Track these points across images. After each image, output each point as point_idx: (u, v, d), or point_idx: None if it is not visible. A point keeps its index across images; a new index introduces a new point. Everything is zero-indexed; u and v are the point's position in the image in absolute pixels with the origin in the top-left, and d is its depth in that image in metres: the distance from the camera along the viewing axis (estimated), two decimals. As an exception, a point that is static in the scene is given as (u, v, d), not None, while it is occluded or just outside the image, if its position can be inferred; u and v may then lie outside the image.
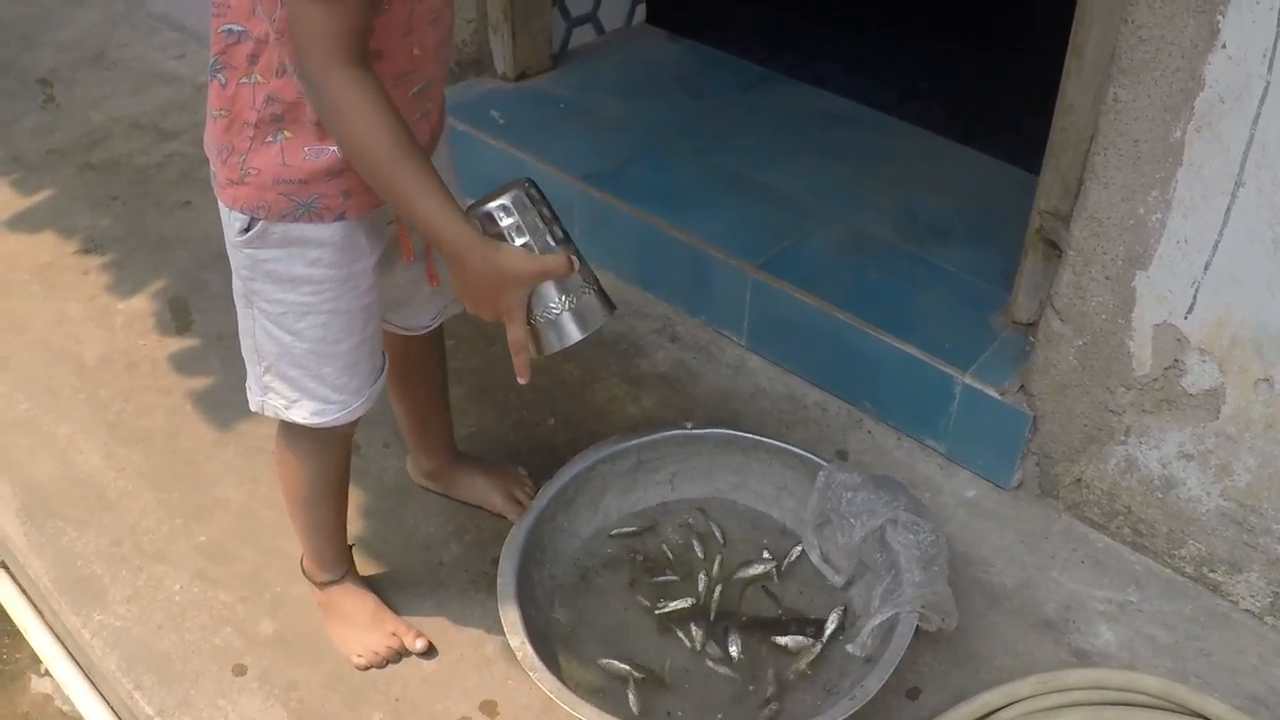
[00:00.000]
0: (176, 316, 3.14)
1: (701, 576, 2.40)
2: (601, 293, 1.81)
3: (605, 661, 2.25)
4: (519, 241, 1.73)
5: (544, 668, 2.06)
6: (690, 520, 2.51)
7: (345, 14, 1.58)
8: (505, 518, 2.47)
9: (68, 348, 3.04)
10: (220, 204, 1.86)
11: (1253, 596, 2.37)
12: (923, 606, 2.14)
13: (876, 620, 2.15)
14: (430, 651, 2.30)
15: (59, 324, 3.13)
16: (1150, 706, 2.21)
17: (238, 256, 1.89)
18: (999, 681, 2.24)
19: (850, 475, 2.33)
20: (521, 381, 1.80)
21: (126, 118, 4.10)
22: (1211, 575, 2.41)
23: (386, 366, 2.10)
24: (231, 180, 1.82)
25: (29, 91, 4.30)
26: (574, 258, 1.76)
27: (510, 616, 2.14)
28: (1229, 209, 2.06)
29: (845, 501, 2.31)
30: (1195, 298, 2.17)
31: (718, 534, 2.48)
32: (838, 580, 2.37)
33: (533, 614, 2.20)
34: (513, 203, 1.75)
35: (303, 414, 2.01)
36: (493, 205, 1.75)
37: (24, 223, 3.55)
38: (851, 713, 2.00)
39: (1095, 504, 2.52)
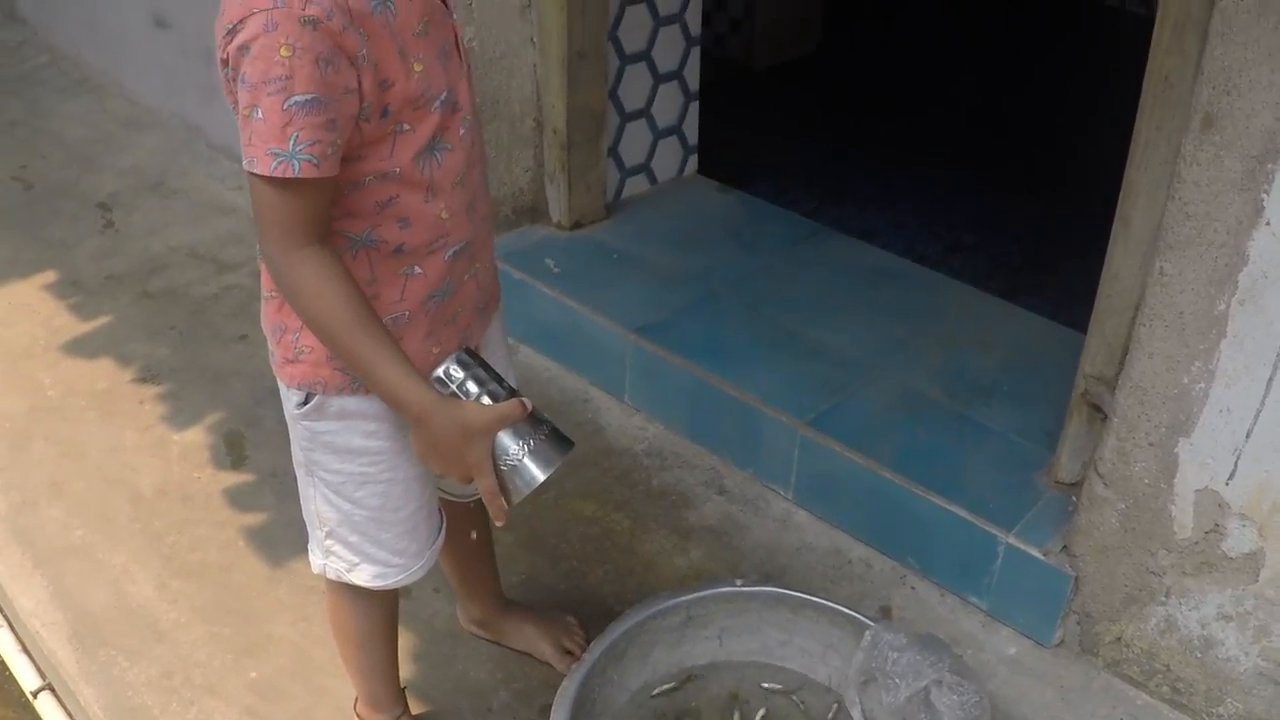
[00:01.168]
0: (231, 450, 3.25)
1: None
2: (556, 432, 1.85)
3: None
4: (473, 394, 1.80)
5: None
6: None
7: (301, 199, 1.66)
8: (554, 666, 2.55)
9: (123, 476, 3.16)
10: (279, 380, 1.97)
11: (1288, 756, 2.43)
12: (966, 766, 2.22)
13: (920, 783, 2.23)
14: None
15: (115, 452, 3.24)
16: None
17: (297, 429, 2.00)
18: None
19: (896, 635, 2.41)
20: (499, 524, 1.84)
21: (185, 247, 4.25)
22: None
23: (443, 527, 2.20)
24: (287, 359, 1.93)
25: (89, 215, 4.47)
26: (525, 401, 1.81)
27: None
28: (1271, 379, 2.16)
29: (891, 661, 2.39)
30: (1236, 464, 2.26)
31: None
32: (880, 739, 2.45)
33: (581, 763, 2.29)
34: (457, 363, 1.82)
35: (364, 577, 2.11)
36: (439, 370, 1.81)
37: (82, 348, 3.68)
38: None
39: (1135, 662, 2.59)
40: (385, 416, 1.94)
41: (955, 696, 2.30)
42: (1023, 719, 2.55)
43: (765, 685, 2.57)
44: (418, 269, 1.86)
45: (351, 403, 1.92)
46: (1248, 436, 2.23)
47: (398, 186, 1.77)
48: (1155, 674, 2.57)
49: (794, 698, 2.55)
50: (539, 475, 1.80)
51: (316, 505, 2.08)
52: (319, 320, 1.73)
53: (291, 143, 1.60)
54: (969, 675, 2.34)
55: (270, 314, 1.93)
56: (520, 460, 1.79)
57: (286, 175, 1.62)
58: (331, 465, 2.00)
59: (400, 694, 2.42)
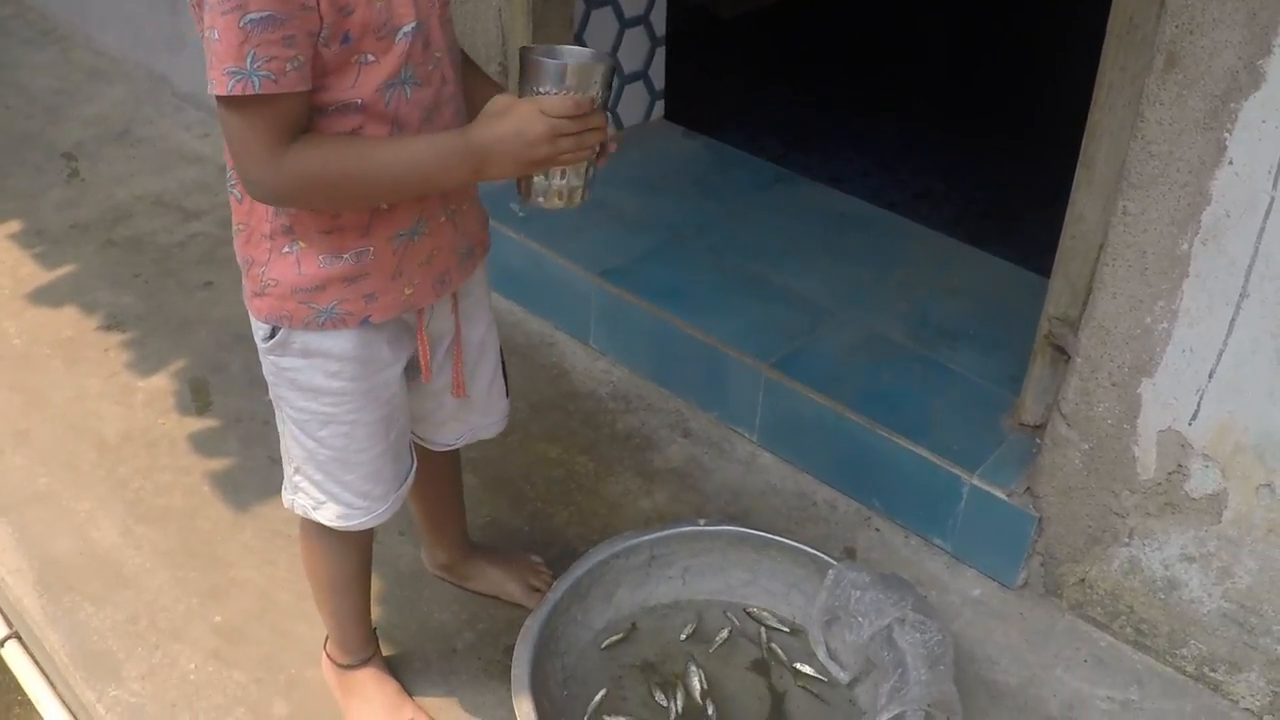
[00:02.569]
0: (196, 397, 3.21)
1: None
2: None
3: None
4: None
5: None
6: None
7: (265, 117, 1.64)
8: (522, 606, 2.52)
9: (88, 424, 3.12)
10: (249, 313, 1.94)
11: (1252, 695, 2.42)
12: (929, 705, 2.20)
13: (883, 718, 2.21)
14: (441, 738, 2.36)
15: (80, 399, 3.20)
16: None
17: (265, 363, 1.97)
18: None
19: (859, 574, 2.40)
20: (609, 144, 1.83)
21: (150, 195, 4.20)
22: (1212, 674, 2.46)
23: (413, 470, 2.17)
24: (255, 292, 1.90)
25: (54, 165, 4.41)
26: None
27: (524, 707, 2.19)
28: (1233, 319, 2.15)
29: (854, 600, 2.38)
30: (1199, 405, 2.25)
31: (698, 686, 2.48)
32: (844, 677, 2.42)
33: (545, 705, 2.26)
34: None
35: (329, 516, 2.08)
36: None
37: (46, 297, 3.63)
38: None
39: (1098, 604, 2.58)
40: (351, 357, 1.91)
41: (918, 634, 2.29)
42: (987, 660, 2.54)
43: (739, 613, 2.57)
44: (383, 203, 1.82)
45: (315, 340, 1.89)
46: (1210, 376, 2.22)
47: (362, 118, 1.73)
48: (1119, 615, 2.56)
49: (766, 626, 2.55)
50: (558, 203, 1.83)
51: (286, 441, 2.06)
52: (342, 177, 1.71)
53: (249, 60, 1.57)
54: (932, 613, 2.33)
55: (240, 246, 1.90)
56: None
57: (246, 93, 1.59)
58: (296, 402, 1.97)
59: (371, 636, 2.39)
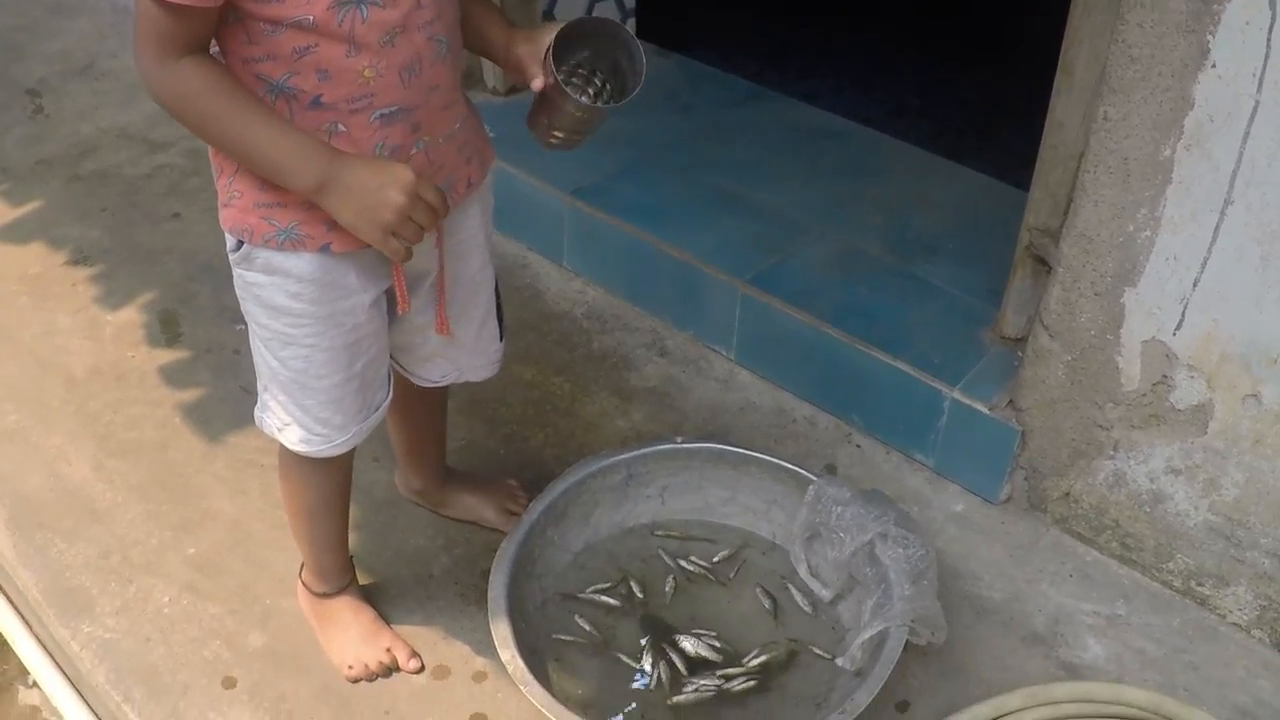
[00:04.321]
0: (165, 328, 3.13)
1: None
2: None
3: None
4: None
5: (535, 681, 2.06)
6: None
7: (181, 23, 1.59)
8: (499, 531, 2.46)
9: (56, 359, 3.04)
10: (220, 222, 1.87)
11: (1240, 610, 2.38)
12: (912, 621, 2.15)
13: (866, 634, 2.16)
14: (422, 667, 2.30)
15: (48, 335, 3.12)
16: (1138, 719, 2.22)
17: (235, 275, 1.90)
18: (988, 695, 2.25)
19: (840, 490, 2.34)
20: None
21: (115, 129, 4.10)
22: (1199, 589, 2.42)
23: (387, 402, 2.10)
24: (223, 202, 1.83)
25: (17, 102, 4.29)
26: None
27: (501, 630, 2.14)
28: (1218, 226, 2.07)
29: (835, 516, 2.32)
30: (1184, 314, 2.18)
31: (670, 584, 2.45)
32: (825, 595, 2.37)
33: (523, 627, 2.20)
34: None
35: (292, 439, 2.02)
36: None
37: (12, 233, 3.54)
38: (842, 727, 2.02)
39: (1083, 518, 2.53)
40: (311, 279, 1.83)
41: (901, 550, 2.24)
42: (971, 576, 2.50)
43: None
44: (341, 127, 1.72)
45: (277, 258, 1.81)
46: (1195, 285, 2.15)
47: (315, 36, 1.64)
48: (1104, 530, 2.51)
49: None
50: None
51: (255, 356, 1.99)
52: (207, 117, 1.66)
53: None
54: (914, 529, 2.28)
55: (211, 154, 1.83)
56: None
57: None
58: (260, 319, 1.90)
59: (348, 564, 2.34)
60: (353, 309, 1.90)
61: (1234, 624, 2.40)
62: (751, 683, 2.24)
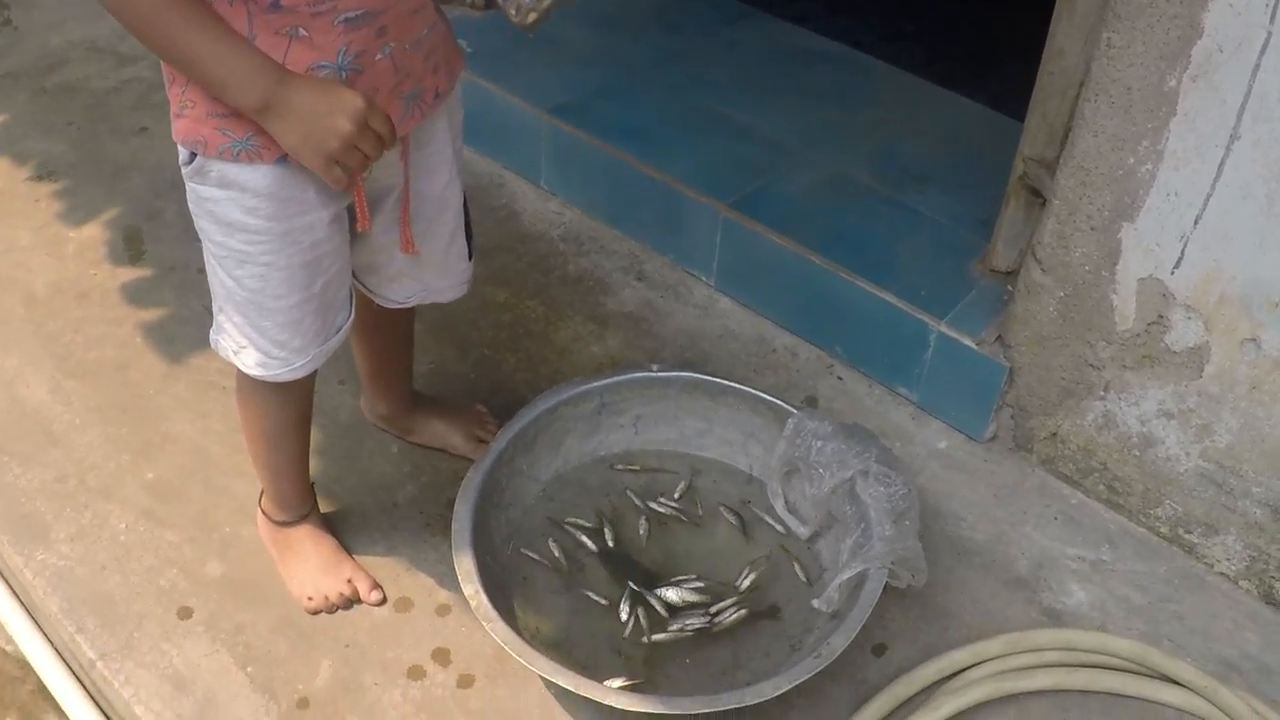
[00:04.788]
0: (129, 246, 3.01)
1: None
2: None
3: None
4: None
5: (498, 617, 1.97)
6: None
7: None
8: (467, 458, 2.37)
9: (16, 277, 2.92)
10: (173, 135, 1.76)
11: (1228, 560, 2.31)
12: (893, 563, 2.07)
13: (844, 576, 2.07)
14: (384, 599, 2.22)
15: (8, 252, 3.00)
16: (1122, 670, 2.16)
17: (188, 190, 1.79)
18: (968, 640, 2.18)
19: (820, 424, 2.25)
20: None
21: (84, 41, 3.94)
22: (1187, 536, 2.34)
23: (348, 324, 2.00)
24: (175, 113, 1.72)
25: (-15, 15, 4.15)
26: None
27: (465, 564, 2.05)
28: (1223, 162, 1.97)
29: (815, 451, 2.23)
30: (1183, 252, 2.09)
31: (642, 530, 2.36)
32: (803, 532, 2.29)
33: (488, 561, 2.12)
34: None
35: (248, 362, 1.92)
36: None
37: (-25, 149, 3.42)
38: (817, 671, 1.94)
39: (1070, 459, 2.45)
40: (267, 194, 1.72)
41: (882, 488, 2.15)
42: (953, 516, 2.41)
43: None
44: (303, 31, 1.61)
45: (232, 171, 1.70)
46: (1196, 222, 2.05)
47: None
48: (1091, 472, 2.43)
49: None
50: None
51: (210, 276, 1.89)
52: (151, 20, 1.56)
53: None
54: (896, 466, 2.19)
55: (165, 64, 1.71)
56: None
57: None
58: (215, 236, 1.80)
59: (309, 492, 2.25)
60: (312, 225, 1.80)
61: (1221, 574, 2.33)
62: (742, 612, 2.17)
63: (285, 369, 1.92)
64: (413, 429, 2.47)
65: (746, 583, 2.23)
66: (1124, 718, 2.11)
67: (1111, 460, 2.38)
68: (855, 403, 2.65)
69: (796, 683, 1.92)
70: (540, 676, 1.98)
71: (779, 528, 2.33)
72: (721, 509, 2.36)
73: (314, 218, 1.79)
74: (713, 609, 2.18)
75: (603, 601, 2.19)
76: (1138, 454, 2.34)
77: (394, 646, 2.15)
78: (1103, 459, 2.40)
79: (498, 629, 1.96)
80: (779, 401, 2.34)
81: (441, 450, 2.46)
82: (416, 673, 2.11)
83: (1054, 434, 2.44)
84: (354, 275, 2.02)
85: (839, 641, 1.97)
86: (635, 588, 2.20)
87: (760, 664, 2.12)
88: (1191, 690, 2.12)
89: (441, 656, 2.13)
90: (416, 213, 1.95)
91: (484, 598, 2.00)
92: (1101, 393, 2.33)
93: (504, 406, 2.45)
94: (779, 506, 2.33)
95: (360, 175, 1.72)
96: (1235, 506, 2.25)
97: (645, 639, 2.14)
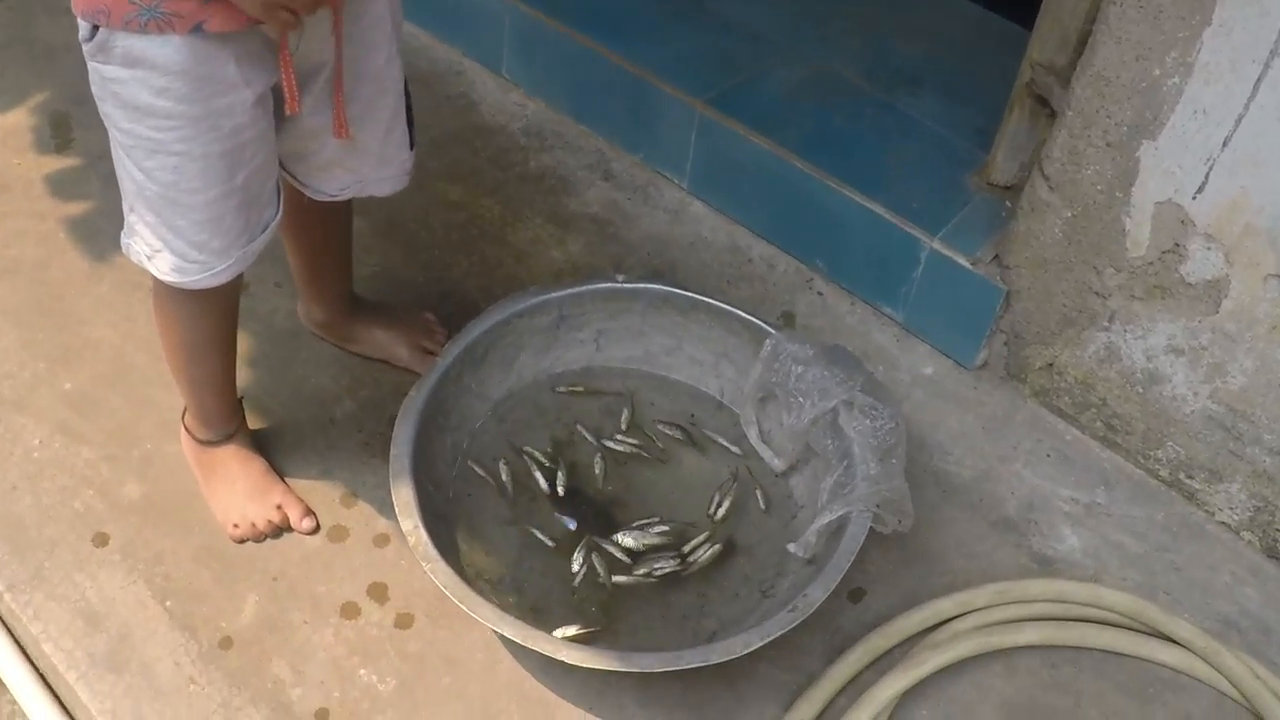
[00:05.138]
0: (56, 133, 2.75)
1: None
2: None
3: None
4: None
5: (439, 557, 1.78)
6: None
7: None
8: (412, 371, 2.18)
9: (-67, 170, 2.67)
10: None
11: (1231, 509, 2.15)
12: (877, 505, 1.88)
13: (824, 520, 1.88)
14: (317, 527, 2.03)
15: (-74, 145, 2.74)
16: (1117, 625, 2.01)
17: (90, 72, 1.57)
18: (952, 587, 2.03)
19: (801, 346, 2.05)
20: None
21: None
22: (1188, 481, 2.18)
23: (275, 222, 1.77)
24: None
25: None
26: None
27: (403, 495, 1.85)
28: (1259, 80, 1.77)
29: (794, 377, 2.04)
30: (1208, 177, 1.89)
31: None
32: (778, 465, 2.10)
33: (430, 490, 1.93)
34: None
35: (163, 267, 1.70)
36: None
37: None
38: (792, 626, 1.76)
39: (1066, 392, 2.26)
40: (180, 71, 1.50)
41: (867, 421, 1.96)
42: (939, 448, 2.23)
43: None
44: None
45: (139, 44, 1.47)
46: (1225, 145, 1.85)
47: None
48: (1089, 408, 2.25)
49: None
50: None
51: (118, 170, 1.67)
52: None
53: None
54: (884, 396, 2.00)
55: None
56: None
57: None
58: (122, 123, 1.57)
59: (236, 408, 2.04)
60: (232, 108, 1.57)
61: (1222, 523, 2.18)
62: (716, 548, 2.00)
63: (205, 274, 1.70)
64: (353, 338, 2.25)
65: (722, 510, 2.06)
66: (1117, 676, 1.97)
67: (1112, 396, 2.20)
68: (836, 321, 2.45)
69: (769, 639, 1.75)
70: (485, 622, 1.80)
71: (734, 450, 2.15)
72: (673, 431, 2.17)
73: (235, 99, 1.56)
74: (685, 549, 2.00)
75: (550, 544, 2.01)
76: (1141, 391, 2.16)
77: (326, 580, 1.96)
78: (1102, 394, 2.21)
79: (438, 570, 1.77)
80: (756, 320, 2.13)
81: (384, 362, 2.24)
82: (350, 610, 1.93)
83: (1050, 365, 2.25)
84: (281, 165, 1.80)
85: (816, 593, 1.79)
86: (592, 538, 2.01)
87: (729, 609, 1.94)
88: (1190, 651, 1.98)
89: (378, 593, 1.95)
90: (352, 93, 1.72)
91: (423, 534, 1.81)
92: (1106, 323, 2.14)
93: (454, 315, 2.25)
94: (752, 436, 2.14)
95: (293, 28, 1.51)
96: (1243, 453, 2.08)
97: (604, 582, 1.96)
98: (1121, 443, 2.23)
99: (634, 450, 2.14)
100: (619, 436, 2.16)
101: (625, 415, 2.19)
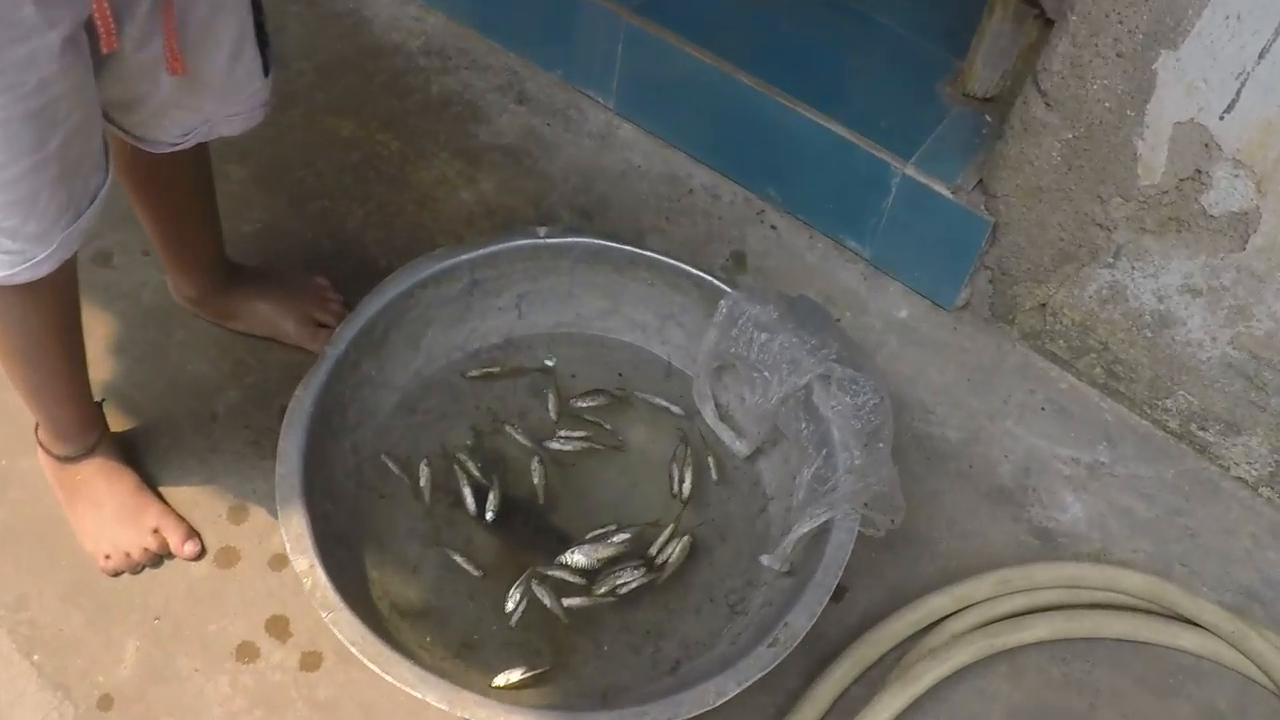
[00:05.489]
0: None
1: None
2: None
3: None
4: None
5: (341, 604, 1.46)
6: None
7: None
8: (304, 350, 1.86)
9: None
10: None
11: (1249, 463, 1.91)
12: (865, 505, 1.59)
13: (804, 529, 1.58)
14: (202, 551, 1.71)
15: None
16: (1132, 609, 1.78)
17: None
18: (945, 574, 1.79)
19: (764, 307, 1.73)
20: None
21: None
22: (1201, 434, 1.92)
23: (103, 191, 1.40)
24: None
25: None
26: None
27: (295, 526, 1.52)
28: (1307, -21, 1.48)
29: (757, 346, 1.72)
30: (1239, 94, 1.59)
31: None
32: (740, 448, 1.80)
33: (329, 510, 1.61)
34: None
35: None
36: None
37: None
38: (773, 666, 1.47)
39: (1062, 336, 1.98)
40: None
41: (847, 398, 1.67)
42: (920, 407, 1.95)
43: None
44: None
45: None
46: (1261, 56, 1.55)
47: None
48: (1088, 352, 1.97)
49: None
50: None
51: None
52: None
53: None
54: (864, 364, 1.70)
55: None
56: None
57: None
58: None
59: (93, 416, 1.71)
60: (34, 57, 1.19)
61: (1238, 479, 1.94)
62: (685, 539, 1.70)
63: (23, 265, 1.34)
64: (232, 313, 1.91)
65: (686, 485, 1.77)
66: (1135, 667, 1.75)
67: (1115, 340, 1.91)
68: (793, 259, 2.14)
69: (746, 684, 1.46)
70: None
71: (675, 409, 1.86)
72: (597, 400, 1.87)
73: (36, 45, 1.19)
74: (651, 552, 1.71)
75: (475, 573, 1.68)
76: (1150, 335, 1.87)
77: (217, 617, 1.66)
78: (1103, 338, 1.92)
79: (341, 621, 1.46)
80: (708, 277, 1.81)
81: (271, 340, 1.91)
82: (248, 652, 1.64)
83: (1043, 305, 1.96)
84: (106, 118, 1.43)
85: (799, 621, 1.52)
86: (536, 570, 1.69)
87: (693, 629, 1.67)
88: (1215, 635, 1.76)
89: (279, 628, 1.66)
90: (184, 16, 1.35)
91: (321, 575, 1.48)
92: (1110, 259, 1.84)
93: (351, 276, 1.94)
94: (708, 414, 1.83)
95: None
96: (1266, 404, 1.83)
97: (555, 611, 1.66)
98: (1125, 391, 1.96)
99: (583, 446, 1.82)
100: (563, 435, 1.83)
101: (552, 402, 1.86)
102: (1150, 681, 1.73)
